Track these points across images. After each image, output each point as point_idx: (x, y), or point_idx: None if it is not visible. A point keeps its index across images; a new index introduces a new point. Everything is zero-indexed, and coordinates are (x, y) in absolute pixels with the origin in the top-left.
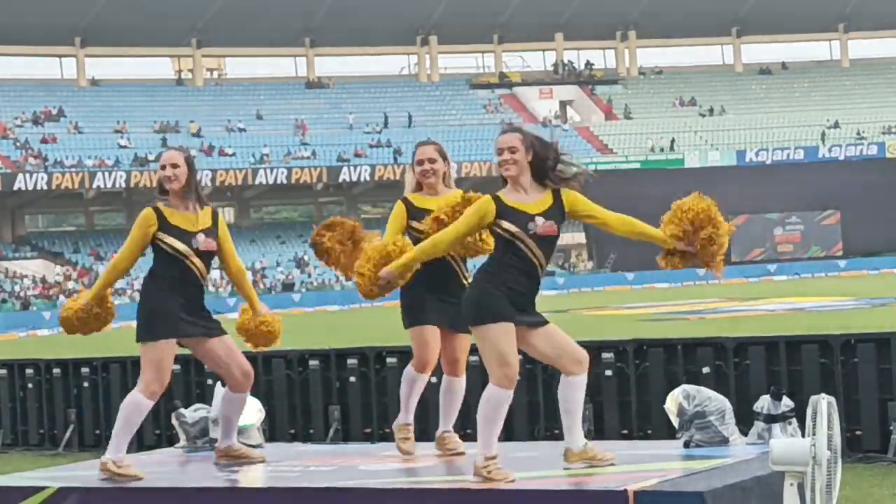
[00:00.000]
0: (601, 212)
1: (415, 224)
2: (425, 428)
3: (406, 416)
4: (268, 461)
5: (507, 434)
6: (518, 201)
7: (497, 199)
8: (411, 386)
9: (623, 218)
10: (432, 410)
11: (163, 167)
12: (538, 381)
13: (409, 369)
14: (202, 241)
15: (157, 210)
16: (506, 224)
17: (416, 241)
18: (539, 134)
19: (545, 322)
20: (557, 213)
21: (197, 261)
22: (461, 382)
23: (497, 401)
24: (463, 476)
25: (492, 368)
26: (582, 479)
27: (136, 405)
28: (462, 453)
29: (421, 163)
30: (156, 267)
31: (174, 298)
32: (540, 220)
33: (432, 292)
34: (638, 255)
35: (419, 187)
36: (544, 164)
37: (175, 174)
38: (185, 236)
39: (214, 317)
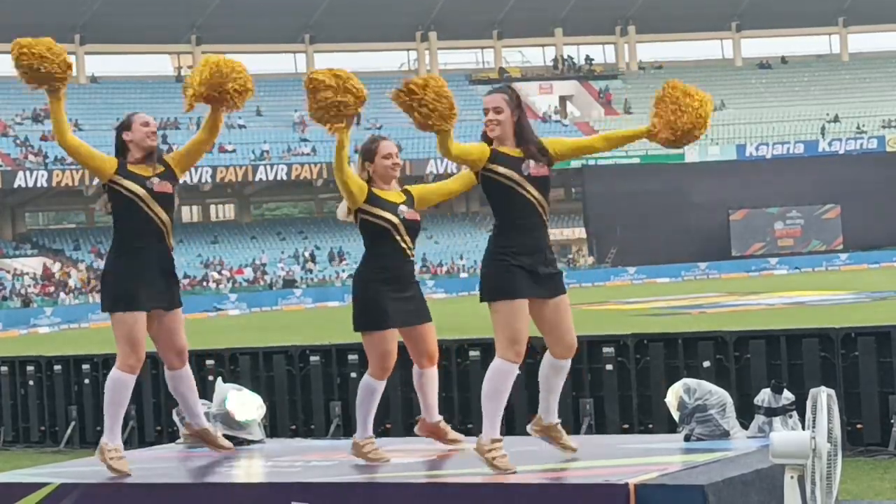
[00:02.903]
0: (581, 140)
1: (368, 208)
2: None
3: (367, 431)
4: (269, 456)
5: (508, 429)
6: (508, 150)
7: (491, 148)
8: (372, 398)
9: (601, 136)
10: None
11: (146, 124)
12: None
13: (370, 380)
14: (157, 182)
15: (119, 160)
16: (500, 168)
17: (367, 226)
18: None
19: (562, 292)
20: (545, 157)
21: (156, 207)
22: (435, 371)
23: (503, 373)
24: (463, 469)
25: (501, 343)
26: (582, 472)
27: (116, 381)
28: (458, 441)
29: (389, 156)
30: (118, 224)
31: (138, 263)
32: (532, 162)
33: (389, 288)
34: (639, 249)
35: (371, 181)
36: (526, 126)
37: (154, 133)
38: (140, 179)
39: (212, 311)
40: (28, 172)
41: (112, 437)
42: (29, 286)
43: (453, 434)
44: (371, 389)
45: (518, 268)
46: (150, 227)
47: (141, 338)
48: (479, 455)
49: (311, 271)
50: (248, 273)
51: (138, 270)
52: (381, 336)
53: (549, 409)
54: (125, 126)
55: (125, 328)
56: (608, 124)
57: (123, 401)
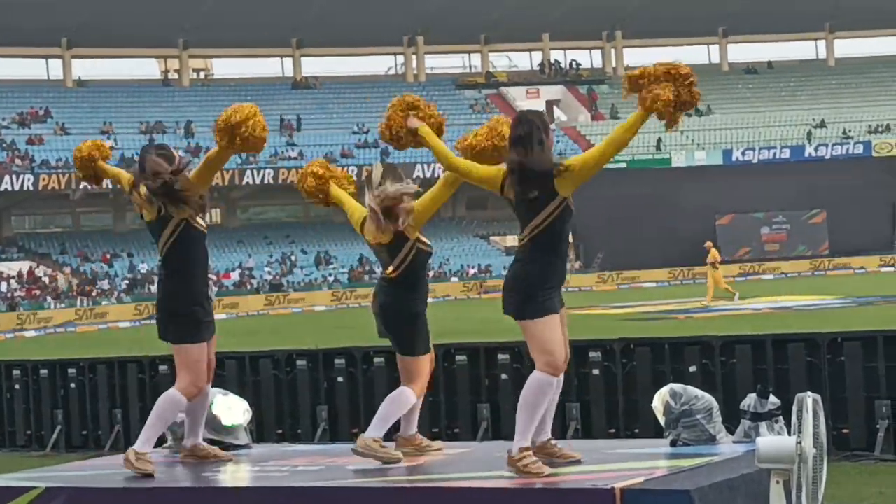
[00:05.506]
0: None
1: (423, 238)
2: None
3: (381, 434)
4: (255, 461)
5: (495, 433)
6: None
7: None
8: (405, 409)
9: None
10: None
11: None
12: None
13: (412, 396)
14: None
15: None
16: (571, 204)
17: (421, 256)
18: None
19: (563, 304)
20: None
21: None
22: None
23: (539, 387)
24: (451, 474)
25: (536, 357)
26: (569, 477)
27: (172, 401)
28: (440, 449)
29: None
30: (188, 260)
31: (202, 296)
32: None
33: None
34: (626, 254)
35: None
36: None
37: None
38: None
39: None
40: (14, 176)
41: (142, 445)
42: (15, 290)
43: (427, 443)
44: (408, 403)
45: (553, 284)
46: (206, 257)
47: (205, 365)
48: (511, 467)
49: (286, 275)
50: (235, 277)
51: (202, 302)
52: (429, 358)
53: (544, 423)
54: (171, 160)
55: (192, 357)
56: (595, 129)
57: (171, 418)
